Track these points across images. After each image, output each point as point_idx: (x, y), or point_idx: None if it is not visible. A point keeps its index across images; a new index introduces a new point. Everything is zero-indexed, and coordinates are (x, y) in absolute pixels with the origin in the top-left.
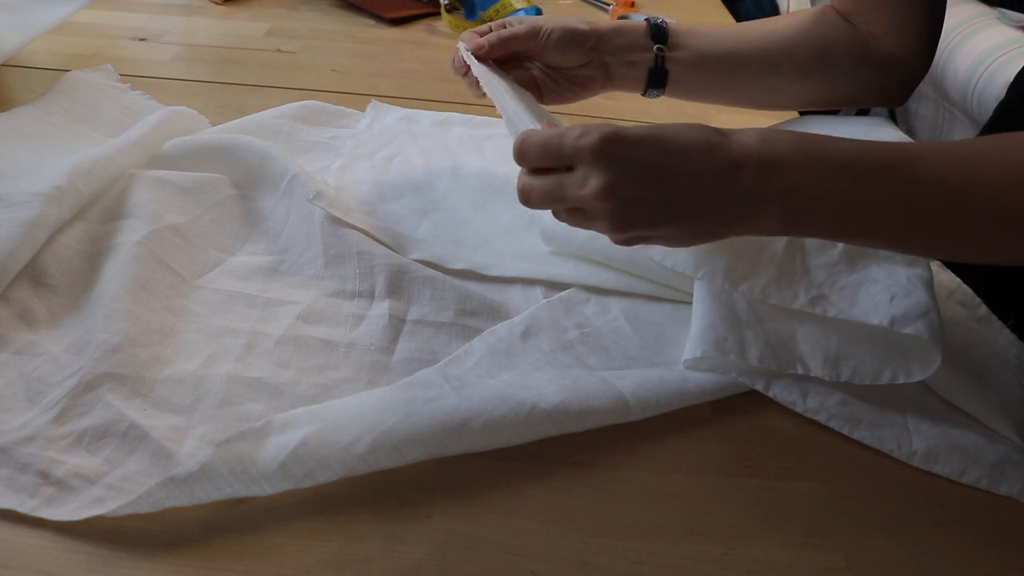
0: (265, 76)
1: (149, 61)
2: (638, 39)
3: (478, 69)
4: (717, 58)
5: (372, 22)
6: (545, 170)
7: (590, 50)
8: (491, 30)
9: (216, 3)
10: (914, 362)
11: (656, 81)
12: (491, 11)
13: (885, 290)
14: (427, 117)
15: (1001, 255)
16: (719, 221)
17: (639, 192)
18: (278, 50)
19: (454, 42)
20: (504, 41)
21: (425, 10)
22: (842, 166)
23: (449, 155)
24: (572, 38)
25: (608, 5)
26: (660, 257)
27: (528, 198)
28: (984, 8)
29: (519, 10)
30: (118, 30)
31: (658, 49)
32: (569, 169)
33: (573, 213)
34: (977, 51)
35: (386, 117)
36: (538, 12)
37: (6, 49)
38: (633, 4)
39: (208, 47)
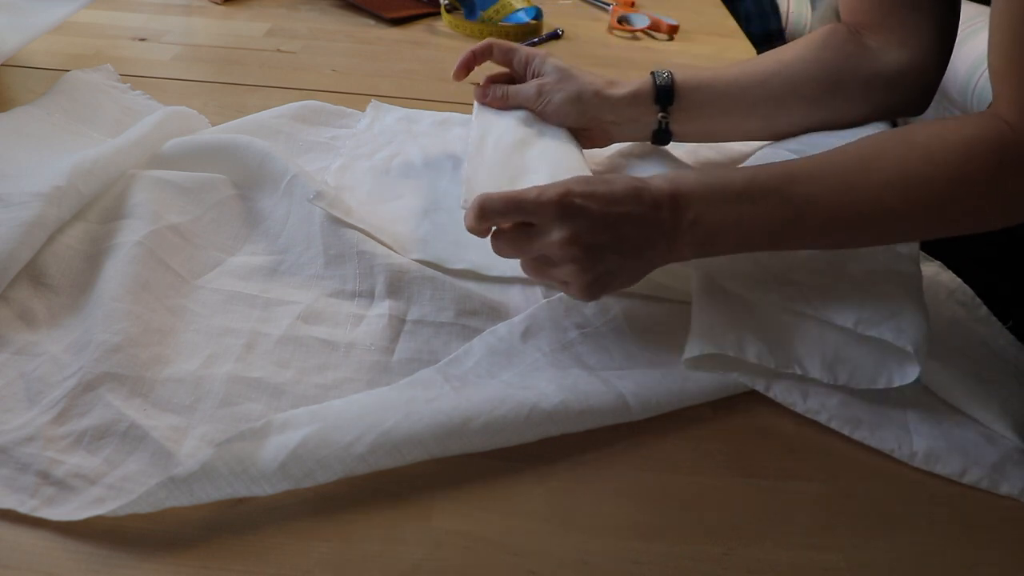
0: (265, 76)
1: (149, 61)
2: (642, 103)
3: (483, 115)
4: (722, 109)
5: (372, 22)
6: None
7: (591, 119)
8: (493, 48)
9: (216, 3)
10: (906, 364)
11: (660, 140)
12: (491, 11)
13: (859, 290)
14: (427, 117)
15: (901, 239)
16: (653, 252)
17: (595, 238)
18: (278, 50)
19: (454, 42)
20: (507, 100)
21: (425, 10)
22: (735, 195)
23: (449, 155)
24: (573, 104)
25: (608, 5)
26: None
27: (497, 250)
28: (984, 8)
29: (519, 10)
30: (118, 30)
31: (662, 116)
32: (527, 225)
33: (536, 264)
34: (977, 51)
35: (386, 117)
36: (538, 13)
37: (6, 49)
38: (633, 4)
39: (208, 47)
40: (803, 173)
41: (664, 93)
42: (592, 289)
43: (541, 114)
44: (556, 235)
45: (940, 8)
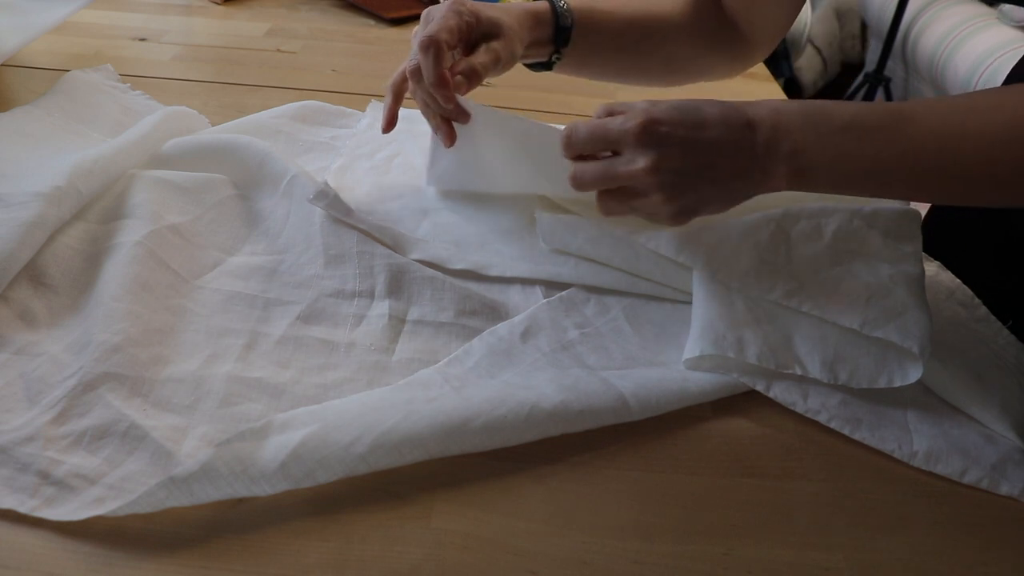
0: (265, 76)
1: (149, 61)
2: (539, 32)
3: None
4: (603, 48)
5: (372, 22)
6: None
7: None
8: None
9: (216, 3)
10: (908, 363)
11: (537, 70)
12: None
13: (863, 289)
14: None
15: (993, 200)
16: (744, 182)
17: (681, 164)
18: (278, 50)
19: None
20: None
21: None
22: (841, 128)
23: None
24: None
25: None
26: (644, 240)
27: (581, 180)
28: (984, 8)
29: None
30: (118, 30)
31: (555, 56)
32: (615, 153)
33: (620, 194)
34: (977, 51)
35: None
36: None
37: (6, 49)
38: None
39: (208, 47)
40: (915, 114)
41: (563, 33)
42: (679, 218)
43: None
44: (641, 163)
45: (787, 10)
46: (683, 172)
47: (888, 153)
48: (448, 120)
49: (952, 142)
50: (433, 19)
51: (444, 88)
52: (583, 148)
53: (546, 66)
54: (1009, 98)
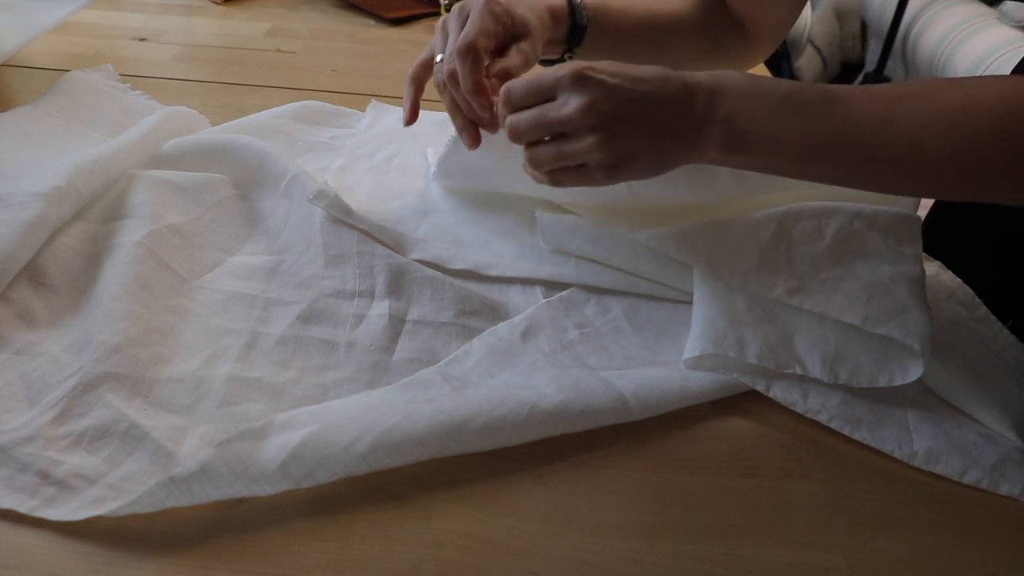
0: (265, 76)
1: (149, 61)
2: (554, 30)
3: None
4: (615, 48)
5: (372, 22)
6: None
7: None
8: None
9: (216, 3)
10: (909, 361)
11: (545, 65)
12: None
13: (865, 288)
14: (427, 117)
15: (942, 193)
16: (677, 142)
17: (616, 108)
18: (278, 50)
19: None
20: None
21: (425, 10)
22: (777, 99)
23: None
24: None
25: None
26: (645, 238)
27: (516, 131)
28: (984, 8)
29: None
30: (118, 30)
31: (568, 55)
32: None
33: (557, 145)
34: (977, 51)
35: (386, 117)
36: None
37: (6, 49)
38: None
39: (208, 47)
40: (846, 94)
41: (578, 32)
42: (613, 171)
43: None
44: (574, 102)
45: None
46: (616, 116)
47: (818, 129)
48: (474, 123)
49: (877, 127)
50: (468, 17)
51: (482, 96)
52: (521, 103)
53: (554, 64)
54: (943, 89)
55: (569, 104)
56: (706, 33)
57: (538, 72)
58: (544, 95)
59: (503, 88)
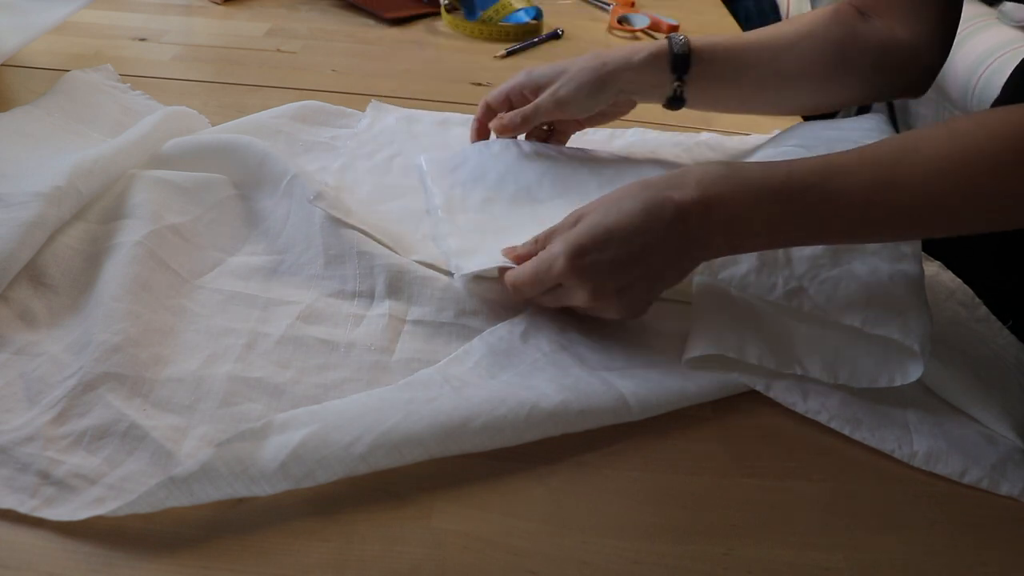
0: (265, 76)
1: (149, 61)
2: (661, 69)
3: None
4: (734, 81)
5: (372, 22)
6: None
7: (617, 92)
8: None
9: (216, 3)
10: (909, 361)
11: (673, 106)
12: (491, 11)
13: (864, 288)
14: (427, 117)
15: (938, 233)
16: (684, 259)
17: (620, 282)
18: (278, 50)
19: (454, 42)
20: (528, 121)
21: (425, 10)
22: (772, 192)
23: None
24: (596, 87)
25: (608, 5)
26: None
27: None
28: (984, 8)
29: (519, 10)
30: (118, 30)
31: (677, 85)
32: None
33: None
34: (977, 51)
35: (386, 117)
36: (538, 13)
37: (6, 49)
38: (633, 4)
39: (208, 47)
40: (841, 168)
41: (680, 61)
42: (637, 312)
43: (571, 123)
44: (583, 294)
45: None
46: (624, 287)
47: (819, 213)
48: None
49: (880, 195)
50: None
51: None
52: (530, 295)
53: (678, 101)
54: (929, 136)
55: (582, 295)
56: (830, 51)
57: (538, 264)
58: (546, 286)
59: (508, 280)
